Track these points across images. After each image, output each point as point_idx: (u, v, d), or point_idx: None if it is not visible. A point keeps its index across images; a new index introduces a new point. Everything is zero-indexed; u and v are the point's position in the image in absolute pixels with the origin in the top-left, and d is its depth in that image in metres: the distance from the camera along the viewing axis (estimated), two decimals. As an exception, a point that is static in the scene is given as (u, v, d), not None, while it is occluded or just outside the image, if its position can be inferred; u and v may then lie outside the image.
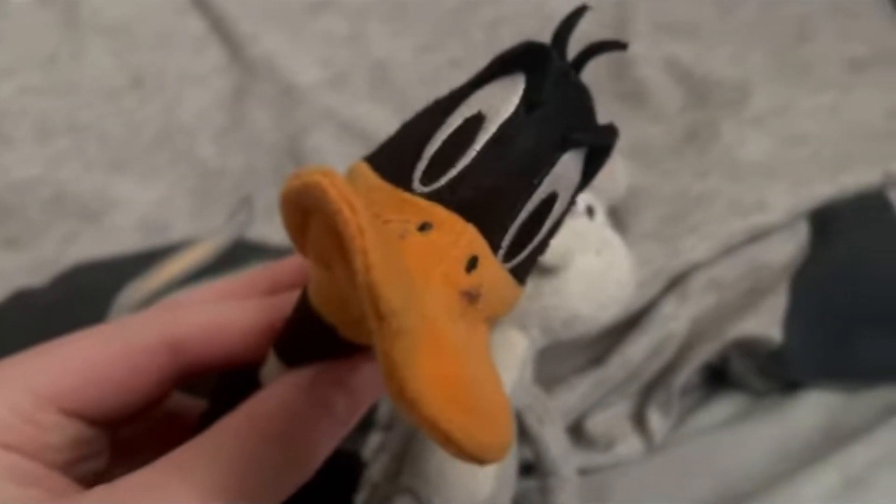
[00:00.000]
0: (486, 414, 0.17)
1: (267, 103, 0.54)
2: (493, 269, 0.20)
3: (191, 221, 0.49)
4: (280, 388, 0.21)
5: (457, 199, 0.19)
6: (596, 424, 0.38)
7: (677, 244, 0.39)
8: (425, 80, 0.55)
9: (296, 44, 0.57)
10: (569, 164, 0.20)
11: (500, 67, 0.20)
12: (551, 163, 0.20)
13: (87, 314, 0.37)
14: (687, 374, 0.37)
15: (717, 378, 0.40)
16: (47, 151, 0.53)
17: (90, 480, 0.22)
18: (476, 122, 0.20)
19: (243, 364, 0.23)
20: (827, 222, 0.40)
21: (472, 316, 0.19)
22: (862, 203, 0.40)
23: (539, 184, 0.20)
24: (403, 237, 0.19)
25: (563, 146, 0.20)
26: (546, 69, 0.20)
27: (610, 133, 0.21)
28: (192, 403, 0.25)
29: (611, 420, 0.38)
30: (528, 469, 0.33)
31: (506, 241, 0.20)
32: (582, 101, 0.21)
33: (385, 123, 0.51)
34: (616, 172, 0.41)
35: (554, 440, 0.31)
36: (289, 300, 0.22)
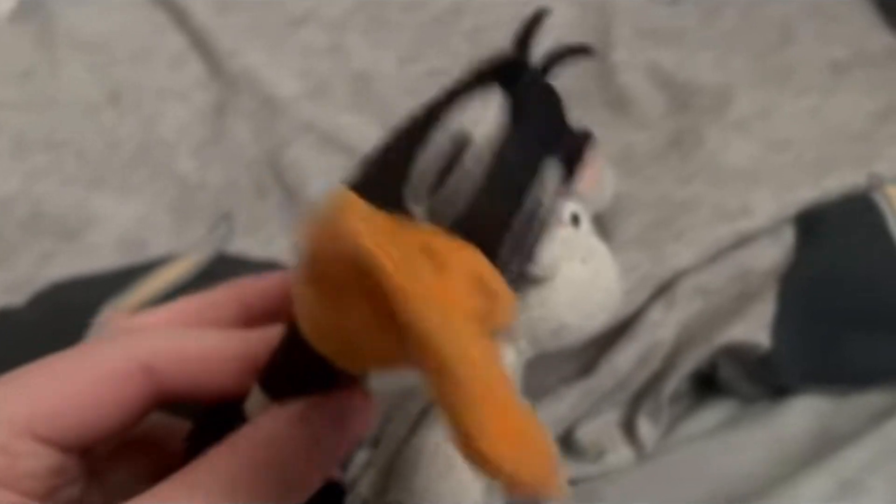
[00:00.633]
0: (545, 455, 0.17)
1: (247, 117, 0.54)
2: (500, 287, 0.20)
3: (170, 237, 0.48)
4: (270, 421, 0.21)
5: (452, 218, 0.19)
6: (585, 434, 0.37)
7: (662, 251, 0.39)
8: (407, 90, 0.54)
9: (276, 57, 0.57)
10: (551, 172, 0.21)
11: (475, 80, 0.21)
12: (536, 173, 0.20)
13: (67, 333, 0.36)
14: (676, 381, 0.37)
15: (705, 385, 0.39)
16: (24, 167, 0.52)
17: None
18: (460, 138, 0.20)
19: (220, 393, 0.23)
20: (812, 226, 0.40)
21: (487, 338, 0.19)
22: (847, 206, 0.40)
23: (527, 195, 0.20)
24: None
25: (545, 155, 0.20)
26: (522, 80, 0.20)
27: (586, 138, 0.22)
28: (167, 423, 0.25)
29: (600, 429, 0.38)
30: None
31: (502, 255, 0.20)
32: (556, 107, 0.21)
33: (367, 135, 0.51)
34: (603, 181, 0.41)
35: None
36: (272, 333, 0.22)
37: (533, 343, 0.31)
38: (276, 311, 0.24)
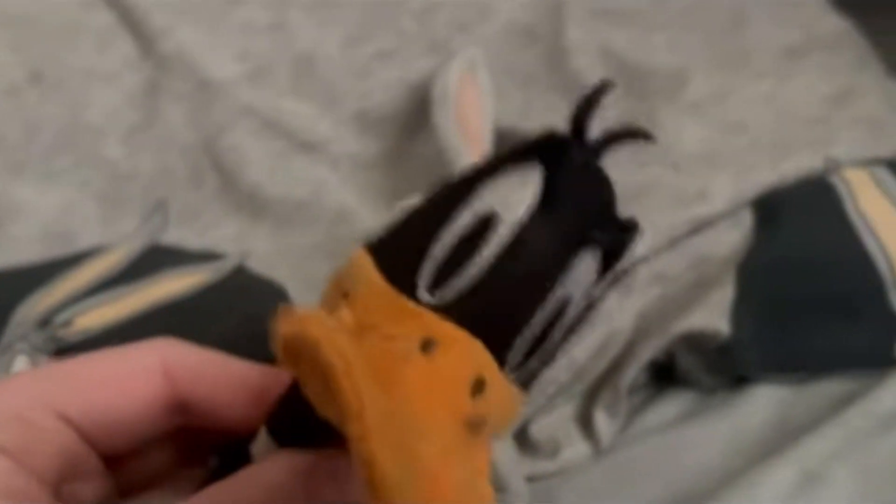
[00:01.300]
0: None
1: (181, 100, 0.51)
2: (500, 389, 0.19)
3: (100, 228, 0.46)
4: (273, 467, 0.21)
5: (465, 311, 0.18)
6: (540, 429, 0.36)
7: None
8: (354, 73, 0.52)
9: (212, 36, 0.54)
10: (585, 264, 0.19)
11: (514, 156, 0.19)
12: (567, 266, 0.19)
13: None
14: (634, 372, 0.36)
15: (664, 376, 0.39)
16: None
17: None
18: (487, 221, 0.18)
19: (231, 419, 0.23)
20: (770, 210, 0.40)
21: (476, 441, 0.18)
22: (804, 189, 0.40)
23: (553, 289, 0.19)
24: (407, 360, 0.18)
25: (580, 247, 0.19)
26: (564, 161, 0.19)
27: (631, 227, 0.20)
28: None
29: (556, 424, 0.37)
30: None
31: (515, 354, 0.19)
32: (602, 194, 0.19)
33: (310, 120, 0.49)
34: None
35: (502, 455, 0.30)
36: (285, 375, 0.22)
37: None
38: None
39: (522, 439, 0.36)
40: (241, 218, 0.46)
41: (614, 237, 0.19)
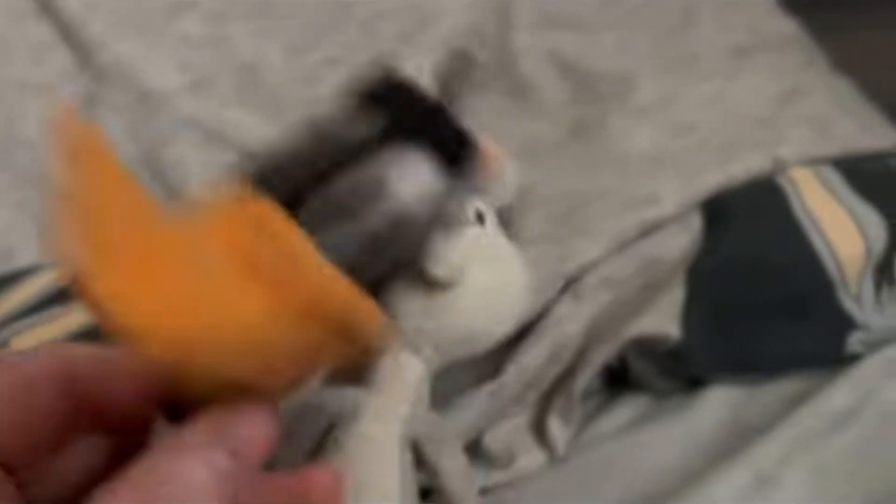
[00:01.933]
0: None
1: (120, 112, 0.50)
2: (287, 241, 0.20)
3: (39, 246, 0.44)
4: (161, 454, 0.20)
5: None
6: (494, 439, 0.36)
7: (568, 245, 0.38)
8: (300, 80, 0.51)
9: (152, 48, 0.54)
10: (409, 158, 0.21)
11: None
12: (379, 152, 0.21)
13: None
14: (586, 378, 0.36)
15: (617, 381, 0.38)
16: None
17: None
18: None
19: (132, 410, 0.23)
20: (720, 212, 0.39)
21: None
22: (753, 190, 0.40)
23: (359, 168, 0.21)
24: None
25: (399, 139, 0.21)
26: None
27: (468, 136, 0.22)
28: None
29: (510, 433, 0.36)
30: (427, 494, 0.31)
31: (351, 246, 0.20)
32: (431, 108, 0.23)
33: (254, 129, 0.48)
34: (504, 174, 0.39)
35: (454, 471, 0.29)
36: None
37: (441, 352, 0.29)
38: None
39: (476, 450, 0.35)
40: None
41: (450, 137, 0.22)
